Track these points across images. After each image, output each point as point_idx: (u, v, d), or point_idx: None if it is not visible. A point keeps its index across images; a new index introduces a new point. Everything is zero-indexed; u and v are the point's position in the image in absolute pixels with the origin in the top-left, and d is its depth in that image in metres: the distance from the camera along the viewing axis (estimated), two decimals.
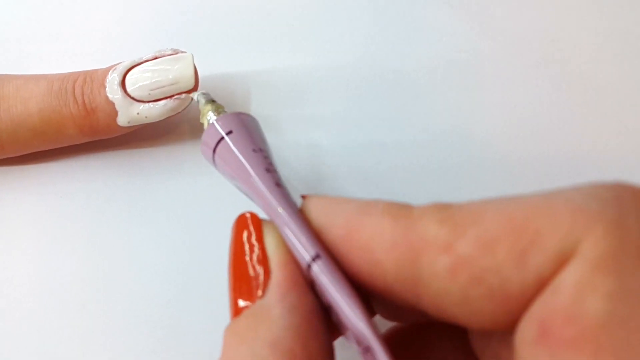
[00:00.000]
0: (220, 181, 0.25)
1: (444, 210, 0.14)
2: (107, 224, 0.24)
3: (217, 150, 0.19)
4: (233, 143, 0.19)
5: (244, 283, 0.16)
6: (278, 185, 0.17)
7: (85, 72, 0.23)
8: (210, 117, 0.21)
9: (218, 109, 0.21)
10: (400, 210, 0.14)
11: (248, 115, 0.20)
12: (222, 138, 0.19)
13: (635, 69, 0.27)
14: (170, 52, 0.23)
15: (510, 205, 0.13)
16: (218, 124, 0.19)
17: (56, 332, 0.23)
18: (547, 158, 0.26)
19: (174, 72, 0.23)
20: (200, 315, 0.23)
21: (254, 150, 0.18)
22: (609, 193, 0.13)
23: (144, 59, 0.23)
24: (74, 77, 0.23)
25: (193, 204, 0.24)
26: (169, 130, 0.25)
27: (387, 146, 0.25)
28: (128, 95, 0.23)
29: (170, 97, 0.23)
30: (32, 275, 0.23)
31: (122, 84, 0.23)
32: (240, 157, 0.18)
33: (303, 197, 0.17)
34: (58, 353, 0.22)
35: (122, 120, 0.23)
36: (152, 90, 0.23)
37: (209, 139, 0.19)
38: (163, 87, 0.23)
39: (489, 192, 0.25)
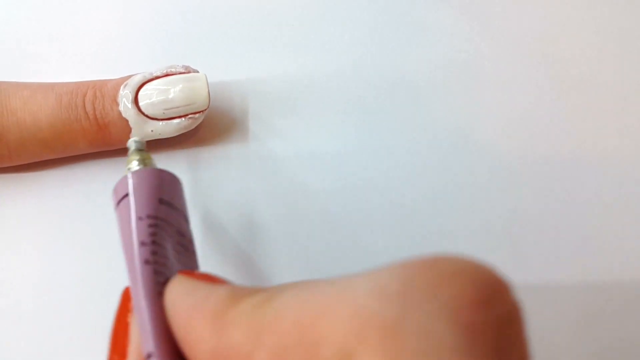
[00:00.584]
0: (219, 183, 0.25)
1: (252, 315, 0.14)
2: (108, 226, 0.24)
3: (120, 204, 0.18)
4: (123, 206, 0.18)
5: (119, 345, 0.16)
6: (147, 262, 0.16)
7: (94, 85, 0.23)
8: (133, 166, 0.20)
9: (145, 160, 0.20)
10: (223, 310, 0.14)
11: (163, 174, 0.19)
12: (125, 196, 0.18)
13: (635, 69, 0.27)
14: (182, 70, 0.23)
15: (304, 306, 0.13)
16: (125, 181, 0.19)
17: (56, 332, 0.23)
18: (547, 158, 0.26)
19: (189, 92, 0.23)
20: None
21: (139, 219, 0.18)
22: (396, 283, 0.12)
23: (154, 74, 0.23)
24: (82, 90, 0.23)
25: (193, 205, 0.24)
26: None
27: (387, 146, 0.25)
28: (142, 113, 0.23)
29: (184, 116, 0.23)
30: (33, 276, 0.23)
31: (135, 101, 0.23)
32: (124, 222, 0.18)
33: (180, 272, 0.16)
34: (58, 353, 0.22)
35: (135, 136, 0.23)
36: (166, 109, 0.23)
37: (119, 188, 0.19)
38: (178, 107, 0.23)
39: (489, 191, 0.25)
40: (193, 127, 0.24)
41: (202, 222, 0.24)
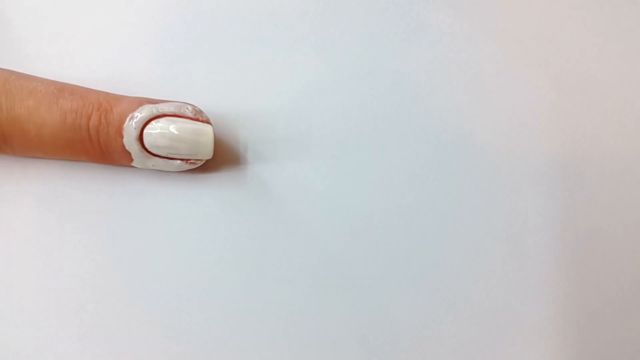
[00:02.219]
0: (219, 183, 0.25)
1: None
2: (107, 225, 0.24)
3: None
4: None
5: None
6: None
7: (99, 107, 0.22)
8: None
9: None
10: None
11: None
12: None
13: (635, 69, 0.27)
14: (191, 115, 0.23)
15: None
16: None
17: (56, 332, 0.23)
18: (547, 158, 0.26)
19: (194, 145, 0.23)
20: (199, 315, 0.23)
21: None
22: None
23: (162, 111, 0.23)
24: (87, 111, 0.22)
25: (193, 204, 0.24)
26: None
27: (387, 146, 0.25)
28: (145, 150, 0.23)
29: (186, 160, 0.23)
30: (32, 275, 0.23)
31: (140, 137, 0.22)
32: None
33: None
34: (58, 353, 0.22)
35: (136, 165, 0.23)
36: (169, 152, 0.23)
37: None
38: (181, 154, 0.23)
39: (489, 192, 0.25)
40: (193, 168, 0.24)
41: (204, 215, 0.24)
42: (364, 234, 0.24)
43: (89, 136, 0.22)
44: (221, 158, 0.25)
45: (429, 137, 0.26)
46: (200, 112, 0.23)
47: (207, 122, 0.23)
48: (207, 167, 0.25)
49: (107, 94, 0.23)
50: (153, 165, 0.23)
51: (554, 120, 0.26)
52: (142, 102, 0.23)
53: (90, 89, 0.23)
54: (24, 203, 0.24)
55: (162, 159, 0.23)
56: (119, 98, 0.23)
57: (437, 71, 0.27)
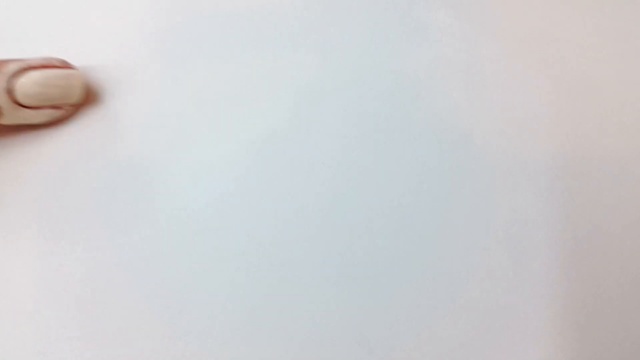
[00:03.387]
0: (219, 182, 0.25)
1: None
2: (107, 225, 0.24)
3: None
4: None
5: None
6: None
7: None
8: None
9: None
10: None
11: None
12: None
13: (635, 69, 0.27)
14: (58, 63, 0.24)
15: None
16: None
17: (56, 332, 0.23)
18: (547, 158, 0.26)
19: (66, 89, 0.23)
20: (199, 315, 0.23)
21: None
22: None
23: (30, 64, 0.23)
24: None
25: (193, 204, 0.24)
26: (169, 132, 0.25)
27: (387, 146, 0.25)
28: (16, 102, 0.23)
29: (58, 107, 0.24)
30: (31, 275, 0.23)
31: (9, 91, 0.23)
32: None
33: None
34: (58, 353, 0.22)
35: (7, 121, 0.23)
36: (41, 101, 0.23)
37: None
38: (52, 100, 0.23)
39: (488, 191, 0.25)
40: (65, 117, 0.24)
41: (204, 215, 0.24)
42: (363, 233, 0.24)
43: None
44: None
45: (428, 137, 0.26)
46: (68, 62, 0.24)
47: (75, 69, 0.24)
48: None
49: None
50: (24, 119, 0.23)
51: (554, 120, 0.26)
52: (7, 60, 0.23)
53: None
54: (23, 203, 0.24)
55: (33, 110, 0.23)
56: None
57: (437, 71, 0.27)
